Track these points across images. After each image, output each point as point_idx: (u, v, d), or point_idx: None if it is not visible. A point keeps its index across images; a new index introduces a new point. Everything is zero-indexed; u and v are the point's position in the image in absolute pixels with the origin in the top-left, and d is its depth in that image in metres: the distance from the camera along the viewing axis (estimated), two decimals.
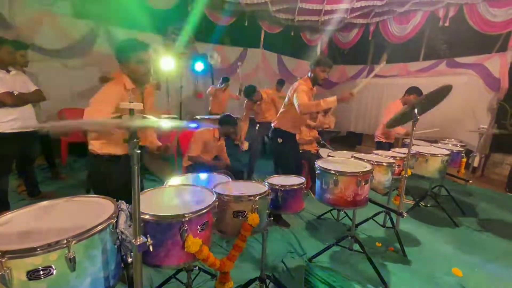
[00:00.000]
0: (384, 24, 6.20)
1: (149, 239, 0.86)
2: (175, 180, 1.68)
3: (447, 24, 5.28)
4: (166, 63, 4.91)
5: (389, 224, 2.79)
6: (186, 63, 5.62)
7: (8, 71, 2.47)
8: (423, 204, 3.47)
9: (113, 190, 1.53)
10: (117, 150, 1.72)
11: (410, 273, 2.19)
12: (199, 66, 5.61)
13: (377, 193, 2.54)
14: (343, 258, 2.35)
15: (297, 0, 5.44)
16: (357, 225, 2.74)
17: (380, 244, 2.59)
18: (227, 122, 3.01)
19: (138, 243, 0.80)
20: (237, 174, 2.81)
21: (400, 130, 3.52)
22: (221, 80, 5.38)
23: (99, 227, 0.91)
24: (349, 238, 2.22)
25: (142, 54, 1.70)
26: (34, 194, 3.06)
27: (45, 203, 1.08)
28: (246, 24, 6.17)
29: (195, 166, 2.86)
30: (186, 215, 1.05)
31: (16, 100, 2.43)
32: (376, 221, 2.78)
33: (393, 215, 2.64)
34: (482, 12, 4.78)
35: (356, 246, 2.20)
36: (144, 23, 5.05)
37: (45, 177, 3.69)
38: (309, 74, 2.71)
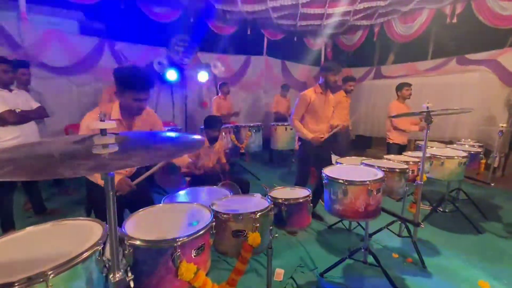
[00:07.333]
0: (389, 24, 6.07)
1: (129, 274, 0.77)
2: (175, 196, 1.60)
3: (454, 20, 5.11)
4: (170, 74, 5.05)
5: (405, 233, 2.62)
6: (190, 73, 5.65)
7: (10, 90, 2.49)
8: (441, 210, 3.27)
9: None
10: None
11: (431, 287, 2.02)
12: (203, 76, 5.61)
13: (391, 198, 2.39)
14: (357, 272, 2.20)
15: (298, 5, 5.39)
16: (370, 235, 2.58)
17: (397, 255, 2.43)
18: (210, 124, 2.93)
19: (116, 279, 0.71)
20: (243, 186, 2.71)
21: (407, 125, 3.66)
22: (219, 87, 5.18)
23: (84, 255, 0.83)
24: (363, 250, 2.08)
25: (141, 94, 1.57)
26: (40, 211, 3.04)
27: (30, 228, 1.03)
28: (249, 32, 6.16)
29: (199, 178, 2.78)
30: (178, 240, 0.95)
31: (18, 118, 2.44)
32: (391, 230, 2.62)
33: None
34: (491, 5, 4.60)
35: (371, 259, 2.05)
36: (148, 36, 5.17)
37: (52, 193, 3.69)
38: (320, 81, 2.86)
